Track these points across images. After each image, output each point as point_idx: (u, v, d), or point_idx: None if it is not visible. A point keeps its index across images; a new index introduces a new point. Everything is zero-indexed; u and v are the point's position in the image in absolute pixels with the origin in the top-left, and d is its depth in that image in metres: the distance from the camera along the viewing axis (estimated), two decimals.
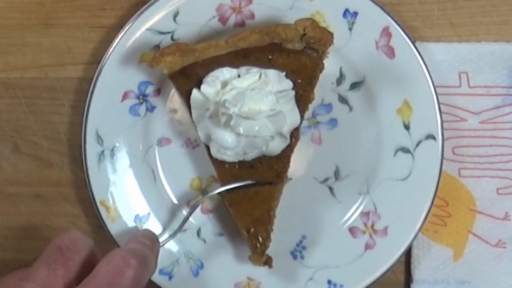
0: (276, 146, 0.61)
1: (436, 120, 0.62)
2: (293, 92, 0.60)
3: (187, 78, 0.61)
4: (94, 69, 0.65)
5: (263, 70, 0.60)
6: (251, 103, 0.58)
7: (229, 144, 0.59)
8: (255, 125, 0.58)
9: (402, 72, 0.63)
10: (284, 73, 0.61)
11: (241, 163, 0.62)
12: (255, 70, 0.60)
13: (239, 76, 0.61)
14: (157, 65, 0.60)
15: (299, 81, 0.61)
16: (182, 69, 0.61)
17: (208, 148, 0.62)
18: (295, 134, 0.62)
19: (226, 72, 0.61)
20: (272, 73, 0.60)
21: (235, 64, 0.61)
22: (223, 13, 0.64)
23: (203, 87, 0.60)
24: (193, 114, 0.61)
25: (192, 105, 0.61)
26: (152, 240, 0.58)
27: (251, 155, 0.61)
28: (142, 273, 0.50)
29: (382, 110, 0.64)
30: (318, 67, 0.62)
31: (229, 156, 0.61)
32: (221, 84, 0.60)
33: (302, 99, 0.62)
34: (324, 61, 0.62)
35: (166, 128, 0.66)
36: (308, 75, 0.62)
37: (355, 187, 0.65)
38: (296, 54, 0.61)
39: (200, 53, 0.61)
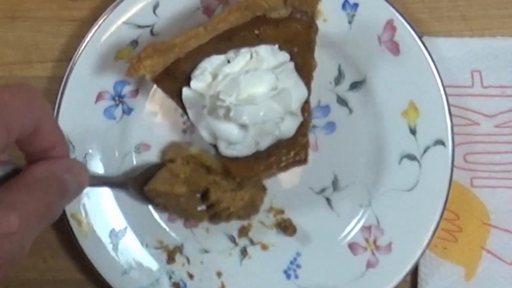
0: (289, 127, 0.59)
1: (445, 124, 0.61)
2: (291, 64, 0.58)
3: (174, 78, 0.59)
4: (64, 67, 0.63)
5: (253, 49, 0.58)
6: (249, 87, 0.56)
7: (236, 138, 0.57)
8: (259, 110, 0.55)
9: (407, 70, 0.61)
10: (276, 46, 0.59)
11: (257, 154, 0.60)
12: (244, 50, 0.58)
13: (228, 61, 0.58)
14: (137, 73, 0.58)
15: (295, 50, 0.59)
16: (165, 69, 0.59)
17: (216, 148, 0.60)
18: (306, 108, 0.60)
19: (213, 61, 0.58)
20: (263, 49, 0.58)
21: (221, 50, 0.58)
22: (208, 4, 0.62)
23: (192, 83, 0.58)
24: (190, 115, 0.60)
25: (187, 105, 0.59)
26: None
27: (264, 143, 0.59)
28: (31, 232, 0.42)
29: (385, 112, 0.62)
30: (311, 29, 0.60)
31: (241, 151, 0.59)
32: (211, 75, 0.58)
33: (304, 69, 0.59)
34: (322, 59, 0.61)
35: (145, 133, 0.64)
36: (303, 41, 0.59)
37: (355, 199, 0.63)
38: (284, 22, 0.59)
39: (180, 48, 0.58)
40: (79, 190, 0.47)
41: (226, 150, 0.59)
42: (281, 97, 0.56)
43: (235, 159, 0.60)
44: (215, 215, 0.62)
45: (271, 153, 0.60)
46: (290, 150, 0.60)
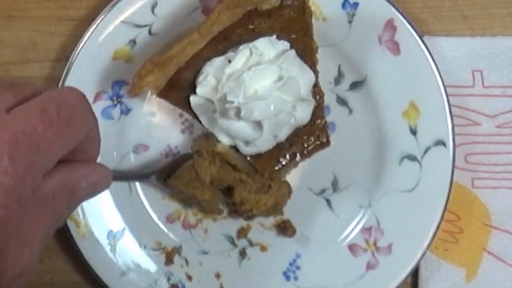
0: (303, 113, 0.59)
1: (446, 124, 0.61)
2: (292, 51, 0.58)
3: (179, 88, 0.59)
4: (62, 67, 0.63)
5: (251, 44, 0.58)
6: (254, 83, 0.56)
7: (253, 135, 0.58)
8: (269, 104, 0.56)
9: (408, 70, 0.61)
10: (274, 36, 0.59)
11: (279, 146, 0.60)
12: (242, 47, 0.58)
13: (229, 61, 0.58)
14: (141, 91, 0.58)
15: (294, 36, 0.59)
16: (168, 82, 0.59)
17: (236, 149, 0.60)
18: (317, 91, 0.60)
19: (214, 64, 0.58)
20: (261, 42, 0.58)
21: (220, 51, 0.59)
22: (207, 3, 0.62)
23: (198, 89, 0.58)
24: (202, 122, 0.60)
25: (197, 113, 0.59)
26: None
27: (283, 134, 0.59)
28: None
29: (385, 113, 0.62)
30: (305, 13, 0.60)
31: (261, 146, 0.59)
32: (215, 78, 0.58)
33: (306, 53, 0.60)
34: (322, 59, 0.61)
35: (143, 134, 0.64)
36: (299, 26, 0.60)
37: (355, 200, 0.63)
38: (276, 11, 0.59)
39: (178, 58, 0.58)
40: (93, 196, 0.46)
41: (247, 149, 0.59)
42: (288, 86, 0.56)
43: (259, 156, 0.60)
44: (235, 211, 0.62)
45: (292, 142, 0.60)
46: (310, 136, 0.60)
